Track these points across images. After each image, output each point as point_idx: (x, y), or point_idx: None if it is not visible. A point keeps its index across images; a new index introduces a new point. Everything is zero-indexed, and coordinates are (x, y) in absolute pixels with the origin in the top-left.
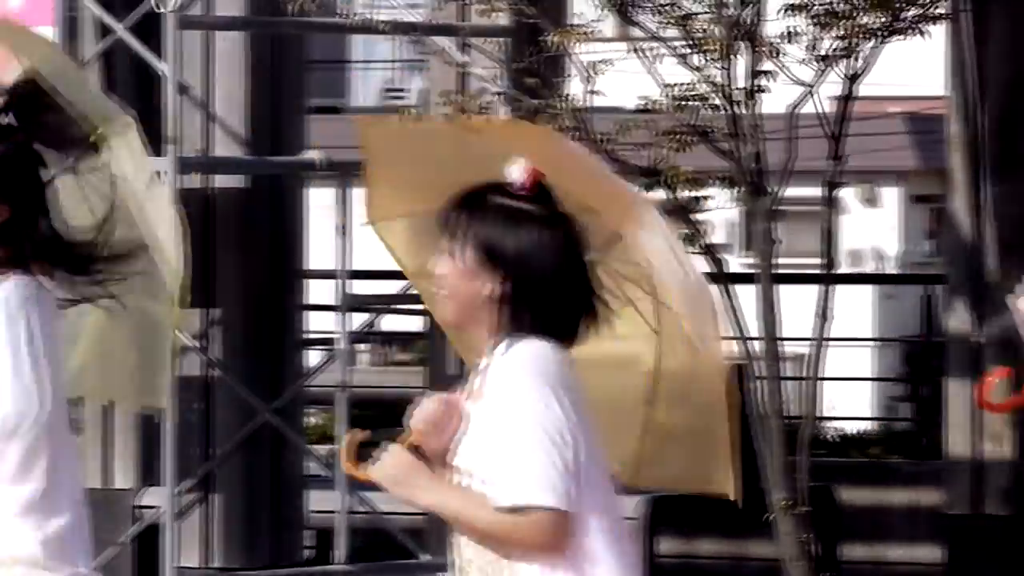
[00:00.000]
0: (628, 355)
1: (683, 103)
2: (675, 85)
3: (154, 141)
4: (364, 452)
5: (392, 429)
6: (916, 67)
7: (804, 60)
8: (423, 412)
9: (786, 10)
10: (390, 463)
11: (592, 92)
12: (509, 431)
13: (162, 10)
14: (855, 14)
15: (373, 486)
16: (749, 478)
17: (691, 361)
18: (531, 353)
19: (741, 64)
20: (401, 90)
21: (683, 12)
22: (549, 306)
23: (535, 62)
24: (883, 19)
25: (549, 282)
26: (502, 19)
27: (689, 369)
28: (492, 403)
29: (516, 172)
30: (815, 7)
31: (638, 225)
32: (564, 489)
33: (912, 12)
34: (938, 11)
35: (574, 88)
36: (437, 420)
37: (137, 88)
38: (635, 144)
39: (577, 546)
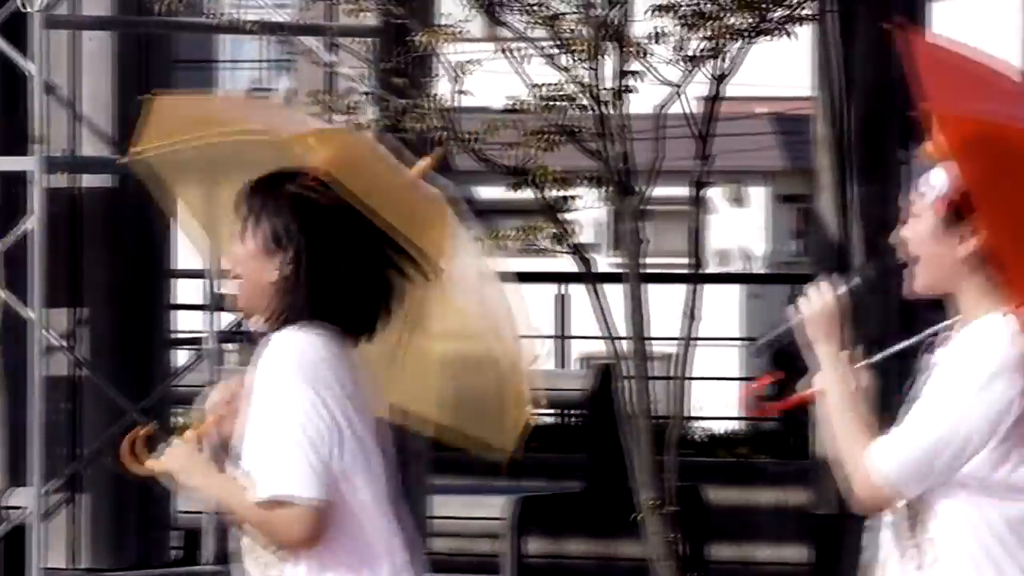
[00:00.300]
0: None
1: (551, 103)
2: (543, 85)
3: (20, 141)
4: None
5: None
6: (783, 68)
7: (671, 60)
8: (211, 400)
9: (653, 11)
10: (171, 454)
11: (460, 92)
12: (266, 424)
13: (28, 9)
14: (722, 15)
15: (155, 480)
16: (617, 478)
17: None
18: (293, 345)
19: (609, 64)
20: (269, 90)
21: (551, 12)
22: (332, 295)
23: (403, 62)
24: (750, 20)
25: (333, 271)
26: (370, 19)
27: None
28: (256, 393)
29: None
30: (682, 8)
31: (452, 254)
32: (317, 483)
33: (779, 13)
34: (804, 12)
35: (442, 88)
36: (226, 407)
37: (3, 88)
38: (503, 144)
39: (342, 537)
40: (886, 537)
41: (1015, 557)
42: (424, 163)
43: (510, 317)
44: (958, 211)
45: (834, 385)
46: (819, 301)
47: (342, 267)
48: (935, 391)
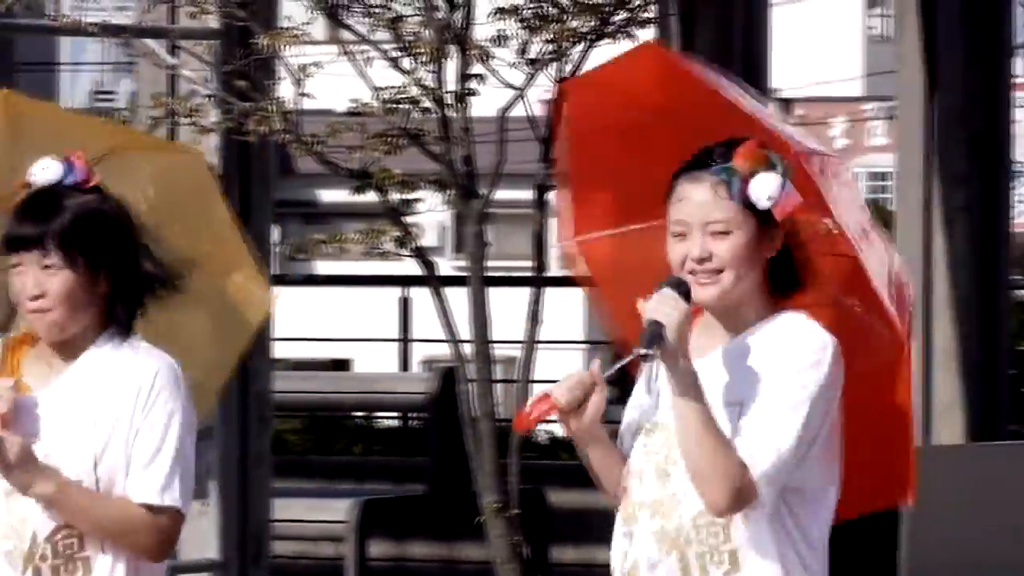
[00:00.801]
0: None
1: (394, 106)
2: (385, 88)
3: None
4: None
5: None
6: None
7: (514, 63)
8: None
9: (496, 14)
10: (15, 442)
11: (302, 95)
12: (159, 437)
13: None
14: (564, 18)
15: None
16: (460, 481)
17: None
18: (166, 362)
19: (452, 67)
20: (110, 92)
21: (393, 15)
22: (137, 299)
23: (245, 65)
24: (592, 23)
25: (137, 274)
26: (212, 22)
27: None
28: (125, 401)
29: (79, 164)
30: (524, 11)
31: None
32: (189, 496)
33: (620, 16)
34: (646, 16)
35: (285, 91)
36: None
37: None
38: (346, 147)
39: None
40: (644, 546)
41: (803, 563)
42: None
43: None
44: (773, 218)
45: (693, 397)
46: (677, 312)
47: (142, 271)
48: (779, 385)
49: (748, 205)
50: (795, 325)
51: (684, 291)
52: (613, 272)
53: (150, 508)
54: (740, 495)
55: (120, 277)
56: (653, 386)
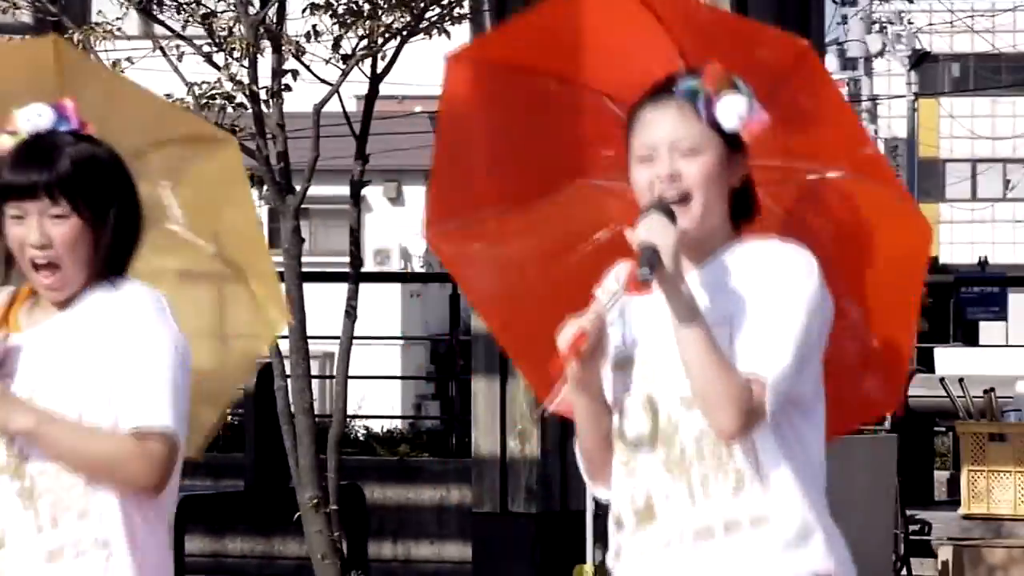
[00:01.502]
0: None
1: (207, 101)
2: (199, 83)
3: None
4: None
5: None
6: (440, 67)
7: (328, 59)
8: None
9: (310, 9)
10: None
11: None
12: (148, 362)
13: None
14: (377, 13)
15: None
16: (278, 477)
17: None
18: (149, 295)
19: (265, 63)
20: None
21: (206, 11)
22: (131, 244)
23: None
24: (406, 19)
25: (134, 221)
26: (24, 16)
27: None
28: (114, 336)
29: (70, 112)
30: (338, 6)
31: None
32: (184, 426)
33: (434, 12)
34: (460, 12)
35: None
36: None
37: None
38: None
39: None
40: (653, 477)
41: (812, 476)
42: None
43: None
44: (736, 139)
45: (694, 320)
46: (670, 232)
47: (139, 216)
48: (772, 298)
49: (715, 126)
50: (776, 244)
51: (670, 214)
52: (475, 263)
53: (139, 434)
54: (749, 417)
55: (120, 224)
56: (625, 327)
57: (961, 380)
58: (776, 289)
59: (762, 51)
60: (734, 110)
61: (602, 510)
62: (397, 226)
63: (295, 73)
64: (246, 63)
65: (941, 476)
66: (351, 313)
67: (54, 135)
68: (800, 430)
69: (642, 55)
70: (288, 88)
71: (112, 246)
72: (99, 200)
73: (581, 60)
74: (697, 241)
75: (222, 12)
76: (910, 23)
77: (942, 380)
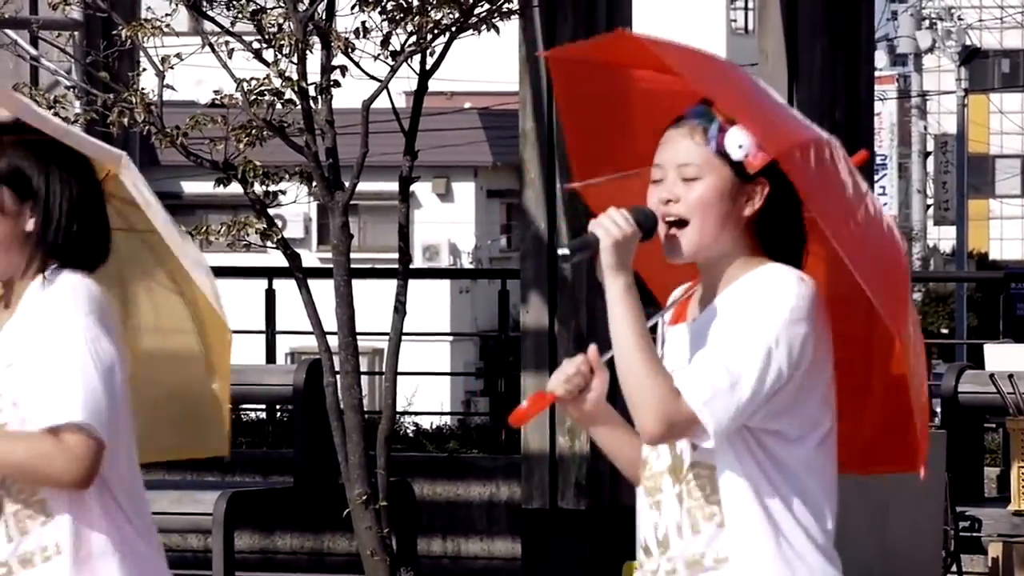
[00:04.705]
0: (182, 346)
1: (256, 98)
2: (248, 80)
3: None
4: None
5: None
6: (489, 63)
7: (377, 55)
8: None
9: (358, 5)
10: None
11: (165, 86)
12: (57, 358)
13: None
14: (427, 10)
15: None
16: (327, 473)
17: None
18: (78, 285)
19: (314, 59)
20: None
21: (255, 7)
22: (79, 237)
23: (107, 56)
24: (454, 15)
25: (78, 213)
26: (74, 12)
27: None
28: (35, 334)
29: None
30: (387, 3)
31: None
32: (105, 417)
33: (483, 8)
34: (509, 7)
35: (147, 82)
36: None
37: None
38: (209, 138)
39: (105, 487)
40: (671, 511)
41: (793, 514)
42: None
43: (211, 309)
44: (747, 171)
45: (627, 318)
46: (618, 230)
47: (80, 204)
48: (737, 327)
49: (724, 155)
50: (766, 273)
51: (647, 222)
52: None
53: (55, 432)
54: (671, 422)
55: (48, 212)
56: (659, 352)
57: (1011, 376)
58: (738, 318)
59: None
60: (738, 139)
61: None
62: (446, 222)
63: (344, 69)
64: (295, 59)
65: (991, 472)
66: (400, 309)
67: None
68: (782, 462)
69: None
70: (337, 84)
71: (43, 237)
72: (22, 187)
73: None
74: (711, 272)
75: (271, 8)
76: (960, 19)
77: (992, 376)
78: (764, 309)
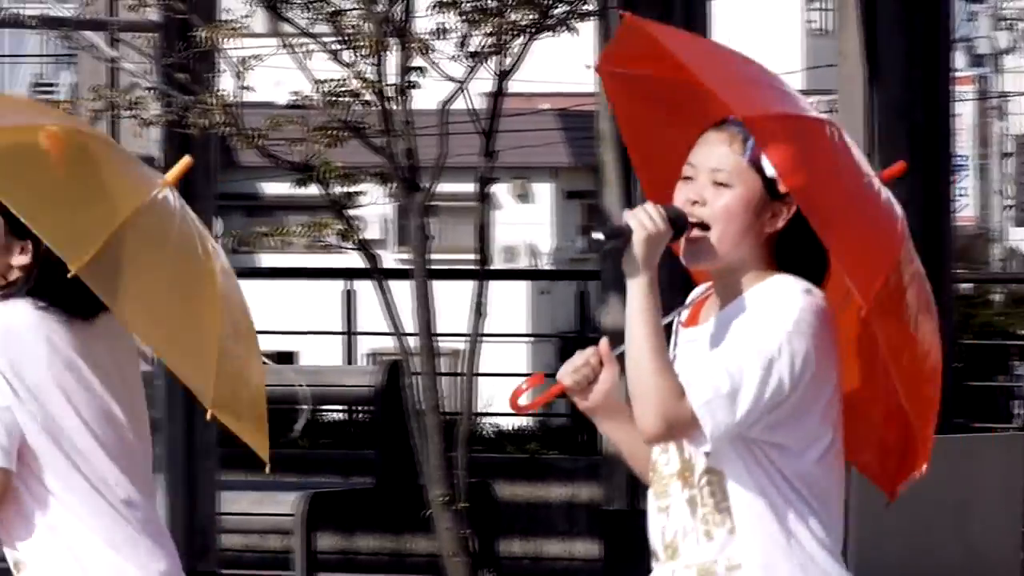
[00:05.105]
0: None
1: (334, 99)
2: (326, 81)
3: None
4: None
5: None
6: (567, 64)
7: (455, 57)
8: None
9: (436, 7)
10: None
11: (243, 88)
12: None
13: None
14: (504, 11)
15: None
16: (407, 474)
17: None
18: (12, 312)
19: (392, 60)
20: (51, 84)
21: (333, 8)
22: (56, 274)
23: (186, 58)
24: (532, 16)
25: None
26: (152, 14)
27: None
28: None
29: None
30: (464, 4)
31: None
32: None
33: (561, 9)
34: (587, 8)
35: (226, 84)
36: None
37: None
38: (288, 140)
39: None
40: (679, 515)
41: (804, 521)
42: (176, 171)
43: (247, 319)
44: (777, 188)
45: (644, 314)
46: (653, 225)
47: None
48: (741, 336)
49: (758, 168)
50: (773, 285)
51: (679, 222)
52: None
53: None
54: (670, 422)
55: (39, 251)
56: (671, 354)
57: None
58: (744, 331)
59: None
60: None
61: None
62: (524, 223)
63: (422, 70)
64: (373, 61)
65: None
66: (479, 310)
67: None
68: (789, 472)
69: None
70: (415, 85)
71: (32, 268)
72: (18, 223)
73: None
74: (721, 277)
75: (349, 10)
76: None
77: None
78: (769, 320)
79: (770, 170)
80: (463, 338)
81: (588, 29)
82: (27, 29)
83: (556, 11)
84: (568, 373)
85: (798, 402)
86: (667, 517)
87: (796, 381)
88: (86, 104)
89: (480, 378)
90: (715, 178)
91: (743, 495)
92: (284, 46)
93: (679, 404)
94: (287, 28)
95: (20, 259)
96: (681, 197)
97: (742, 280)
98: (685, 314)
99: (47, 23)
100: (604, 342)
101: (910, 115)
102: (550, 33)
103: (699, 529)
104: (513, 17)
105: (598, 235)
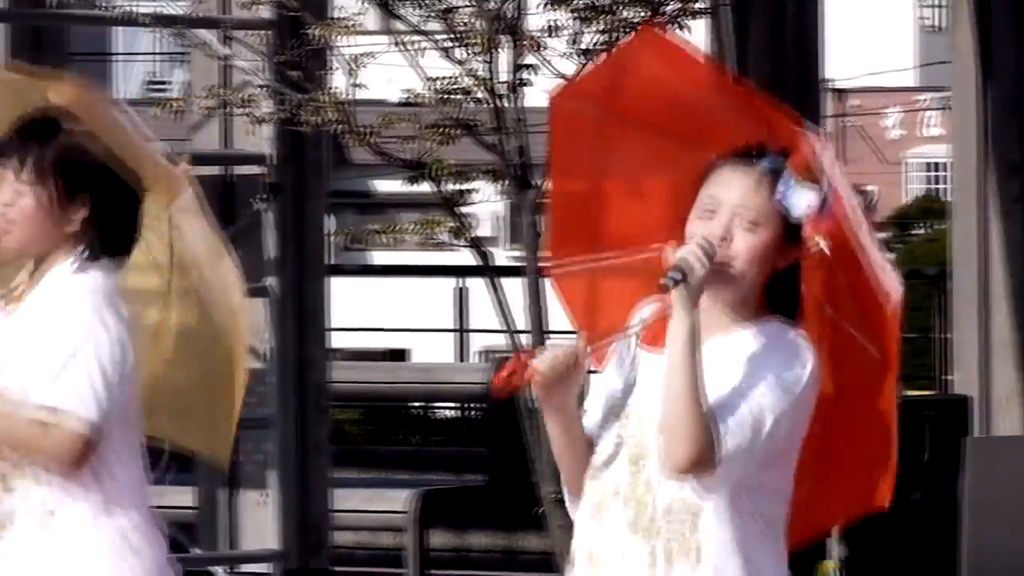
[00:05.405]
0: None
1: (447, 96)
2: (438, 79)
3: None
4: None
5: None
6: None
7: (566, 54)
8: None
9: (548, 4)
10: None
11: (355, 85)
12: (61, 343)
13: None
14: (616, 8)
15: None
16: (520, 471)
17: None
18: (97, 280)
19: (504, 58)
20: (164, 82)
21: (445, 5)
22: (122, 227)
23: (298, 55)
24: (644, 13)
25: (126, 204)
26: (264, 12)
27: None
28: (45, 318)
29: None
30: (576, 1)
31: (176, 205)
32: (102, 407)
33: (672, 7)
34: (698, 5)
35: (338, 81)
36: None
37: None
38: (400, 137)
39: (101, 465)
40: (615, 532)
41: (770, 555)
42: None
43: (237, 311)
44: (796, 231)
45: (687, 351)
46: (702, 267)
47: (125, 207)
48: (761, 385)
49: (782, 212)
50: (785, 334)
51: (711, 261)
52: (586, 299)
53: (58, 416)
54: (701, 458)
55: (98, 206)
56: (628, 373)
57: None
58: (763, 376)
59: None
60: (806, 200)
61: None
62: None
63: (534, 68)
64: (485, 58)
65: None
66: None
67: (55, 119)
68: (768, 517)
69: (711, 102)
70: (527, 83)
71: (87, 224)
72: (74, 180)
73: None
74: (713, 306)
75: (461, 7)
76: None
77: None
78: (786, 372)
79: (797, 212)
80: (574, 334)
81: (699, 27)
82: (140, 27)
83: (668, 8)
84: (547, 363)
85: (792, 449)
86: (598, 529)
87: (801, 432)
88: (199, 102)
89: (592, 374)
90: (742, 216)
91: (715, 529)
92: (396, 43)
93: (711, 446)
94: (399, 25)
95: (81, 212)
96: (701, 232)
97: (736, 314)
98: (640, 334)
99: (160, 21)
100: (582, 341)
101: (1023, 111)
102: (661, 31)
103: (659, 553)
104: (625, 14)
105: (667, 281)
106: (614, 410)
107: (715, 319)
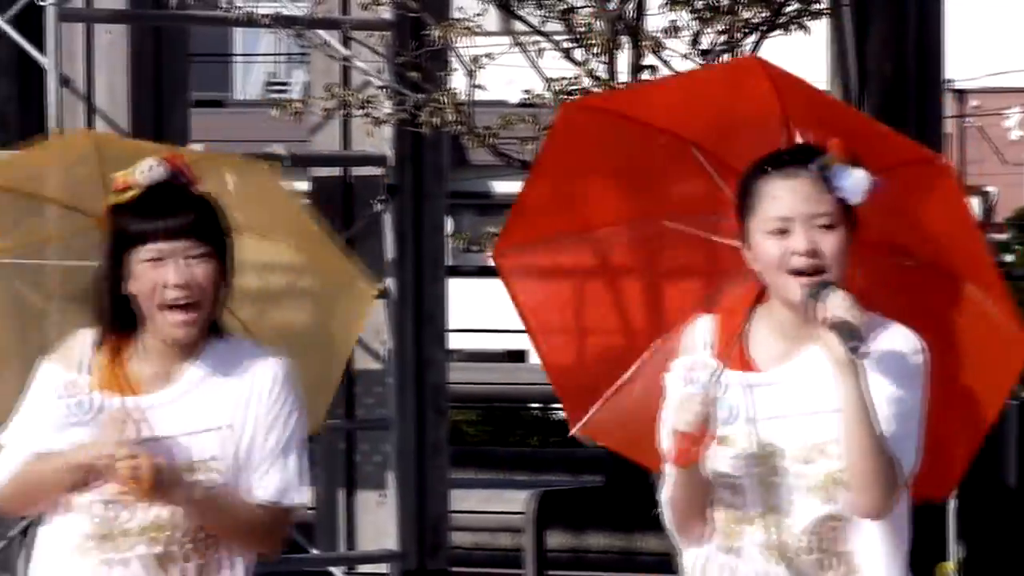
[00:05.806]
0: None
1: (566, 97)
2: (558, 79)
3: (37, 133)
4: None
5: None
6: (797, 62)
7: (686, 55)
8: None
9: (668, 4)
10: (147, 465)
11: (475, 86)
12: (279, 432)
13: (43, 3)
14: (737, 9)
15: None
16: (637, 472)
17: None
18: (275, 357)
19: (624, 58)
20: (284, 83)
21: (565, 6)
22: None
23: (418, 56)
24: (764, 14)
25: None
26: (385, 13)
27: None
28: (252, 398)
29: (182, 165)
30: (697, 2)
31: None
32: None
33: (793, 7)
34: (819, 6)
35: (457, 82)
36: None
37: (19, 81)
38: (519, 138)
39: None
40: (752, 559)
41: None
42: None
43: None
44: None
45: (866, 399)
46: (854, 308)
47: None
48: (901, 396)
49: (842, 201)
50: (884, 326)
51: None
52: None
53: (275, 506)
54: (895, 497)
55: (227, 273)
56: (722, 398)
57: None
58: (901, 389)
59: (877, 147)
60: (861, 185)
61: (964, 505)
62: None
63: (654, 69)
64: (605, 59)
65: None
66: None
67: (174, 186)
68: (905, 519)
69: (746, 115)
70: None
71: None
72: (222, 248)
73: (684, 108)
74: (807, 318)
75: (581, 7)
76: None
77: None
78: (917, 382)
79: (855, 198)
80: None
81: (820, 28)
82: (260, 28)
83: (788, 9)
84: (692, 417)
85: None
86: (738, 559)
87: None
88: (318, 103)
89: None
90: (818, 223)
91: (870, 539)
92: (516, 44)
93: (901, 484)
94: (519, 26)
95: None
96: (780, 249)
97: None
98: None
99: (280, 22)
100: (700, 376)
101: None
102: (782, 31)
103: (803, 574)
104: (745, 15)
105: (857, 347)
106: (722, 439)
107: (801, 327)
